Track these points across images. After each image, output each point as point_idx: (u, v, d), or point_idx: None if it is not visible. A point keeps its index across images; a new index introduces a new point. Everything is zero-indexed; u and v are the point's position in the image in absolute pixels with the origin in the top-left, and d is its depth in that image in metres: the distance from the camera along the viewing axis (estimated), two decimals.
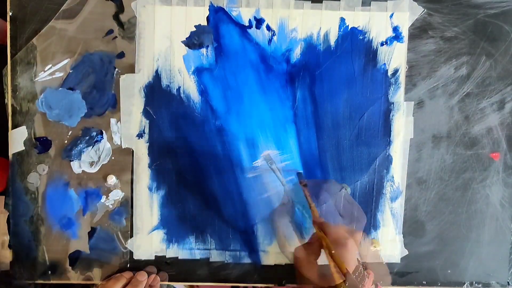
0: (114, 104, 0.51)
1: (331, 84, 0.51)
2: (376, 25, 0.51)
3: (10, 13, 0.50)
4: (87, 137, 0.51)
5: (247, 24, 0.51)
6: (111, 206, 0.52)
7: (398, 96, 0.52)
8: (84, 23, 0.50)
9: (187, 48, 0.51)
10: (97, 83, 0.51)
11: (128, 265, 0.52)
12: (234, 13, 0.51)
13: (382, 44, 0.51)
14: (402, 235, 0.53)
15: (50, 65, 0.50)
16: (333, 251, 0.43)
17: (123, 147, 0.51)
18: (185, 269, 0.53)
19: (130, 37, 0.51)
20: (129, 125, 0.51)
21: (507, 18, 0.52)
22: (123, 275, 0.49)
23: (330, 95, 0.51)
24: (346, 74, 0.51)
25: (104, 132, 0.51)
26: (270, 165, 0.50)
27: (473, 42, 0.52)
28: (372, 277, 0.46)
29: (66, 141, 0.51)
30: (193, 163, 0.52)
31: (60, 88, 0.51)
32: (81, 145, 0.51)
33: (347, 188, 0.45)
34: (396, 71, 0.52)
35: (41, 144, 0.51)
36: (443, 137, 0.52)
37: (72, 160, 0.51)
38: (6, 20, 0.50)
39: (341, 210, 0.43)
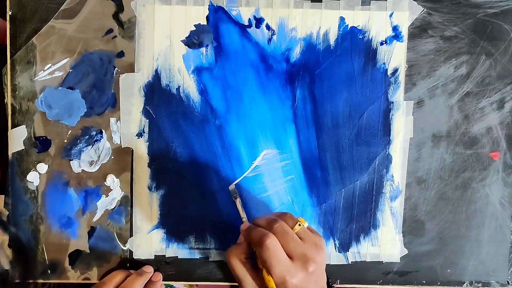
0: (113, 104, 0.51)
1: (330, 84, 0.51)
2: (375, 24, 0.51)
3: (10, 13, 0.50)
4: (86, 137, 0.51)
5: (246, 23, 0.51)
6: (110, 206, 0.52)
7: (398, 95, 0.52)
8: (83, 22, 0.50)
9: (186, 47, 0.51)
10: (96, 83, 0.51)
11: (128, 265, 0.52)
12: (233, 13, 0.51)
13: (381, 44, 0.51)
14: (401, 235, 0.53)
15: (49, 65, 0.50)
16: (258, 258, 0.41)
17: (122, 147, 0.52)
18: (185, 269, 0.53)
19: (129, 36, 0.51)
20: (128, 125, 0.51)
21: (507, 18, 0.52)
22: (118, 273, 0.49)
23: (330, 94, 0.51)
24: (345, 73, 0.51)
25: (103, 131, 0.51)
26: (234, 199, 0.50)
27: (472, 41, 0.52)
28: None
29: (65, 141, 0.51)
30: (192, 163, 0.52)
31: (60, 88, 0.51)
32: (81, 145, 0.51)
33: (303, 222, 0.43)
34: (395, 71, 0.52)
35: (40, 144, 0.51)
36: (443, 137, 0.52)
37: (72, 160, 0.51)
38: (5, 20, 0.50)
39: (290, 251, 0.41)
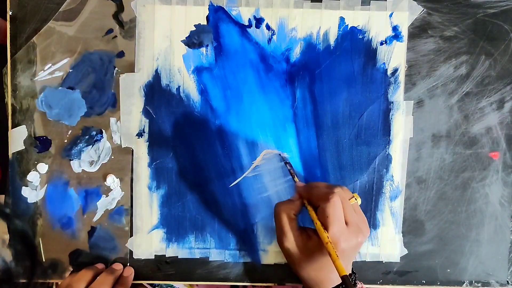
0: (114, 103, 0.51)
1: (330, 84, 0.51)
2: (375, 24, 0.51)
3: (10, 13, 0.50)
4: (87, 136, 0.51)
5: (246, 23, 0.51)
6: (110, 206, 0.52)
7: (398, 95, 0.52)
8: (84, 22, 0.50)
9: (186, 47, 0.51)
10: (97, 83, 0.51)
11: (128, 264, 0.52)
12: (233, 13, 0.51)
13: (381, 44, 0.51)
14: (401, 234, 0.53)
15: (50, 64, 0.50)
16: (317, 207, 0.42)
17: (123, 147, 0.52)
18: (185, 268, 0.53)
19: (130, 36, 0.51)
20: (129, 124, 0.51)
21: (507, 18, 0.52)
22: (86, 271, 0.49)
23: (330, 94, 0.52)
24: (345, 73, 0.51)
25: (104, 131, 0.51)
26: (286, 164, 0.51)
27: (472, 41, 0.52)
28: None
29: (66, 140, 0.51)
30: (192, 162, 0.52)
31: (60, 88, 0.51)
32: (81, 144, 0.51)
33: (358, 198, 0.45)
34: (395, 70, 0.52)
35: (41, 143, 0.51)
36: (443, 137, 0.53)
37: (72, 159, 0.51)
38: (6, 20, 0.50)
39: (347, 217, 0.42)
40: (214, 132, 0.51)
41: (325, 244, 0.40)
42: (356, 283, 0.45)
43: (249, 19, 0.51)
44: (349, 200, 0.44)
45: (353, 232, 0.42)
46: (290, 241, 0.43)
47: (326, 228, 0.41)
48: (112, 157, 0.52)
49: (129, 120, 0.51)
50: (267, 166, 0.52)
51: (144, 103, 0.51)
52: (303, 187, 0.46)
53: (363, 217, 0.45)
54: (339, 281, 0.42)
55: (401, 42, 0.51)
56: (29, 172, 0.51)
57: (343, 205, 0.42)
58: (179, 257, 0.53)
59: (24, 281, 0.51)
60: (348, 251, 0.41)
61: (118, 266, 0.51)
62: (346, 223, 0.42)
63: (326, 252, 0.40)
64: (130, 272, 0.51)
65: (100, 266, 0.51)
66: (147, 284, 0.58)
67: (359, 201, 0.45)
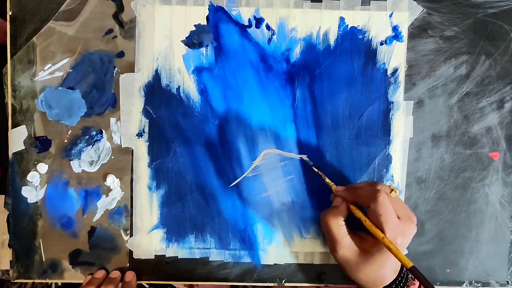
0: (114, 104, 0.51)
1: (330, 84, 0.51)
2: (375, 24, 0.51)
3: (10, 13, 0.50)
4: (86, 137, 0.51)
5: (246, 23, 0.51)
6: (110, 206, 0.52)
7: (398, 95, 0.52)
8: (84, 22, 0.50)
9: (186, 47, 0.51)
10: (97, 83, 0.51)
11: (128, 264, 0.52)
12: (233, 13, 0.51)
13: (381, 44, 0.51)
14: None
15: (50, 65, 0.50)
16: (368, 208, 0.43)
17: (123, 147, 0.52)
18: (185, 268, 0.53)
19: (130, 36, 0.51)
20: (128, 125, 0.51)
21: (507, 18, 0.52)
22: (94, 277, 0.50)
23: (330, 94, 0.52)
24: (345, 73, 0.51)
25: (104, 131, 0.51)
26: (315, 168, 0.50)
27: (472, 41, 0.52)
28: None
29: (66, 141, 0.51)
30: (192, 162, 0.52)
31: (60, 88, 0.51)
32: (81, 145, 0.51)
33: (396, 191, 0.45)
34: (395, 70, 0.52)
35: (41, 143, 0.51)
36: (443, 137, 0.53)
37: (72, 160, 0.51)
38: (6, 20, 0.50)
39: (397, 211, 0.43)
40: (214, 132, 0.51)
41: (382, 240, 0.40)
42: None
43: (249, 19, 0.51)
44: (390, 194, 0.44)
45: (406, 224, 0.42)
46: (345, 248, 0.43)
47: (381, 227, 0.41)
48: (112, 157, 0.52)
49: (129, 120, 0.51)
50: (267, 166, 0.52)
51: (144, 103, 0.51)
52: (345, 191, 0.46)
53: (407, 207, 0.45)
54: (395, 276, 0.44)
55: (401, 42, 0.51)
56: (29, 172, 0.51)
57: (389, 200, 0.42)
58: (179, 257, 0.53)
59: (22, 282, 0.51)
60: (405, 244, 0.42)
61: (115, 274, 0.51)
62: (398, 217, 0.42)
63: (384, 250, 0.41)
64: (131, 276, 0.51)
65: (99, 274, 0.51)
66: (147, 284, 0.58)
67: (398, 192, 0.46)
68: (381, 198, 0.41)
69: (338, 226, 0.44)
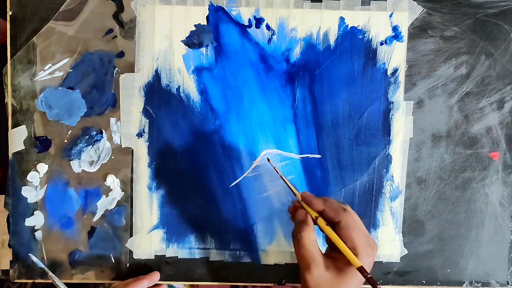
0: (114, 104, 0.51)
1: (330, 84, 0.51)
2: (375, 24, 0.51)
3: (10, 13, 0.50)
4: (87, 137, 0.51)
5: (246, 23, 0.51)
6: (110, 206, 0.52)
7: (398, 95, 0.52)
8: (84, 22, 0.50)
9: (186, 47, 0.51)
10: (97, 83, 0.51)
11: (128, 265, 0.52)
12: (233, 13, 0.51)
13: (381, 44, 0.51)
14: (401, 235, 0.53)
15: (50, 65, 0.50)
16: (337, 223, 0.40)
17: (122, 147, 0.52)
18: (185, 269, 0.53)
19: (130, 36, 0.51)
20: (128, 125, 0.51)
21: (507, 18, 0.52)
22: (142, 279, 0.50)
23: (330, 94, 0.52)
24: (345, 73, 0.51)
25: (104, 131, 0.51)
26: (283, 177, 0.45)
27: (472, 41, 0.52)
28: None
29: (66, 141, 0.51)
30: (192, 162, 0.52)
31: (60, 88, 0.51)
32: (81, 145, 0.51)
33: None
34: (395, 71, 0.52)
35: (41, 144, 0.51)
36: (443, 137, 0.53)
37: (72, 160, 0.51)
38: (6, 20, 0.50)
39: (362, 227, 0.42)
40: (214, 132, 0.51)
41: (346, 253, 0.38)
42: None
43: (249, 19, 0.51)
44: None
45: (372, 242, 0.40)
46: (321, 266, 0.39)
47: (352, 241, 0.38)
48: (112, 157, 0.52)
49: (129, 120, 0.51)
50: (267, 166, 0.52)
51: (144, 103, 0.51)
52: (315, 198, 0.41)
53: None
54: None
55: (401, 42, 0.51)
56: (29, 172, 0.51)
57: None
58: (179, 257, 0.53)
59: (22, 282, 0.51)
60: (372, 262, 0.40)
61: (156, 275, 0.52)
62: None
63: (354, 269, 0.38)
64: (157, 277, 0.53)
65: (155, 276, 0.52)
66: None
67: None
68: (350, 212, 0.40)
69: (313, 242, 0.40)
